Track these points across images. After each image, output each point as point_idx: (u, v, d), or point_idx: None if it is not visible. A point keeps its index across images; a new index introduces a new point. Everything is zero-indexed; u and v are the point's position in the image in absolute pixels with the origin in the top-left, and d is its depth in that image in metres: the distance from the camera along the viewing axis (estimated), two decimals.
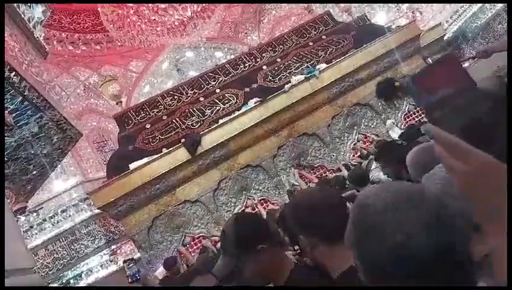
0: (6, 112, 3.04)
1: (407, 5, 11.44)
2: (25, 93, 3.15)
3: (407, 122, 7.03)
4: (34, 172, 4.32)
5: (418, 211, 0.66)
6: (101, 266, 11.27)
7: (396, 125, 6.81)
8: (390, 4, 11.76)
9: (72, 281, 10.98)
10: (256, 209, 6.14)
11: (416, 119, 7.05)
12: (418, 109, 7.19)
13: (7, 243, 2.24)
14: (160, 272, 5.24)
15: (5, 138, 3.43)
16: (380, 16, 11.83)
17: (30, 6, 4.56)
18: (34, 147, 3.96)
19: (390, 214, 0.67)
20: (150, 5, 9.91)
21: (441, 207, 0.67)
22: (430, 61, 7.71)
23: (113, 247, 11.45)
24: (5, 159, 3.77)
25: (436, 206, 0.67)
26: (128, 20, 9.83)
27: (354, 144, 6.92)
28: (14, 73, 2.95)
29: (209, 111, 6.93)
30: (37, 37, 4.51)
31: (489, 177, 0.52)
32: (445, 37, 9.81)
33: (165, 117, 6.92)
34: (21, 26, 4.11)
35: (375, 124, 7.09)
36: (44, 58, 4.65)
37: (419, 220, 0.65)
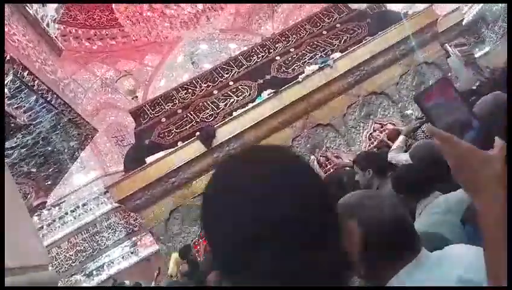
0: (21, 110, 3.10)
1: None
2: (39, 92, 3.20)
3: None
4: (52, 168, 4.42)
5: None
6: (122, 257, 11.52)
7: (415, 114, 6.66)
8: None
9: (94, 272, 11.27)
10: None
11: None
12: None
13: (22, 240, 2.30)
14: None
15: (22, 136, 3.51)
16: (395, 1, 11.53)
17: (43, 4, 4.62)
18: (51, 144, 4.04)
19: None
20: None
21: None
22: (449, 47, 7.51)
23: (133, 239, 11.68)
24: (23, 156, 3.86)
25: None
26: (144, 15, 9.89)
27: (370, 134, 6.83)
28: (27, 72, 3.00)
29: (223, 104, 6.93)
30: (51, 35, 4.57)
31: (469, 158, 0.73)
32: (464, 22, 9.53)
33: (179, 111, 6.96)
34: (34, 25, 4.17)
35: (391, 113, 6.96)
36: (59, 56, 4.72)
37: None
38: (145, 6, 10.38)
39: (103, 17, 12.81)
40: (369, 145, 6.69)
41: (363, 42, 6.98)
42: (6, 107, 2.58)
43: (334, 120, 6.81)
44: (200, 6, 9.95)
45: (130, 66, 12.65)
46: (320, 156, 6.68)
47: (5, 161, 3.12)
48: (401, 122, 6.58)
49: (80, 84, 11.91)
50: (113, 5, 10.71)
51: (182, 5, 9.92)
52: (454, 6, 9.47)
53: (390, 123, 6.84)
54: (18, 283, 2.14)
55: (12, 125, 2.78)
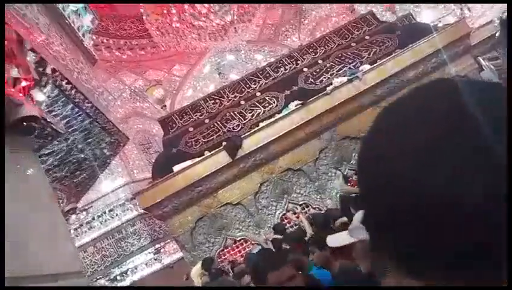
0: (57, 118, 3.19)
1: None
2: (76, 101, 3.29)
3: None
4: (84, 175, 4.52)
5: None
6: (146, 264, 11.62)
7: None
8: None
9: (118, 277, 11.39)
10: (300, 218, 6.04)
11: None
12: None
13: (58, 246, 2.35)
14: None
15: (57, 143, 3.60)
16: (425, 13, 11.37)
17: (79, 15, 4.77)
18: (84, 151, 4.14)
19: None
20: (192, 10, 10.14)
21: None
22: (482, 60, 7.32)
23: (157, 246, 11.77)
24: (57, 162, 3.96)
25: None
26: (173, 26, 10.10)
27: None
28: (65, 81, 3.10)
29: (250, 114, 6.95)
30: (86, 45, 4.72)
31: None
32: (497, 34, 9.29)
33: (207, 120, 7.02)
34: (71, 36, 4.31)
35: None
36: (93, 65, 4.85)
37: None
38: (175, 17, 10.60)
39: (133, 27, 13.16)
40: None
41: (393, 55, 6.89)
42: (45, 115, 2.66)
43: (363, 133, 6.66)
44: (228, 18, 10.08)
45: (159, 76, 12.90)
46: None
47: (41, 166, 3.21)
48: None
49: (109, 92, 12.20)
50: (144, 16, 10.99)
51: (211, 16, 10.08)
52: (487, 19, 9.26)
53: None
54: None
55: (50, 132, 2.86)
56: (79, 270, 2.33)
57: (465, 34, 7.07)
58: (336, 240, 2.14)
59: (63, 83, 3.11)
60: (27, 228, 2.23)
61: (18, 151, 2.47)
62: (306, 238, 4.61)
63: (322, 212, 5.72)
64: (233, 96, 7.31)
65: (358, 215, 2.03)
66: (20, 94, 2.44)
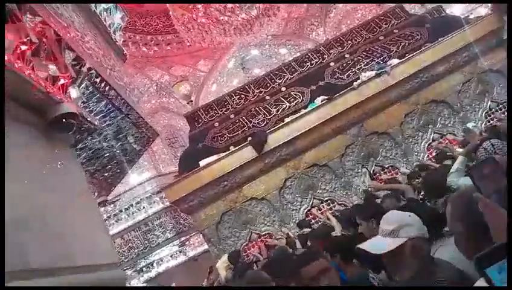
0: (91, 114, 3.28)
1: None
2: (109, 97, 3.37)
3: (488, 121, 6.50)
4: (115, 169, 4.63)
5: None
6: (171, 256, 11.84)
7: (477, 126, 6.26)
8: None
9: (144, 269, 11.67)
10: (327, 215, 6.01)
11: (498, 118, 6.49)
12: (500, 106, 6.63)
13: (95, 239, 2.43)
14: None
15: (90, 138, 3.71)
16: (456, 6, 11.04)
17: (110, 13, 4.87)
18: (115, 146, 4.24)
19: None
20: (217, 5, 10.18)
21: None
22: None
23: (182, 238, 11.97)
24: (90, 157, 4.08)
25: None
26: (198, 21, 10.16)
27: (429, 144, 6.54)
28: (100, 78, 3.18)
29: (275, 110, 6.95)
30: (117, 42, 4.82)
31: None
32: None
33: (232, 116, 7.05)
34: (103, 33, 4.41)
35: (452, 122, 6.64)
36: (124, 62, 4.95)
37: None
38: (200, 12, 10.66)
39: (160, 23, 13.33)
40: (428, 156, 6.41)
41: (423, 48, 6.73)
42: (82, 110, 2.75)
43: (391, 128, 6.59)
44: (253, 12, 10.06)
45: (184, 71, 13.02)
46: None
47: (78, 161, 3.31)
48: (462, 134, 6.25)
49: (136, 87, 12.41)
50: (170, 12, 11.10)
51: (236, 11, 10.09)
52: None
53: (450, 133, 6.52)
54: (88, 282, 2.25)
55: (87, 128, 2.95)
56: (115, 262, 2.41)
57: (499, 27, 6.82)
58: (381, 245, 1.71)
59: (97, 80, 3.19)
60: (65, 221, 2.32)
61: (57, 147, 2.55)
62: (334, 234, 4.59)
63: (349, 208, 5.67)
64: (258, 91, 7.31)
65: (401, 215, 1.90)
66: (54, 91, 2.52)
